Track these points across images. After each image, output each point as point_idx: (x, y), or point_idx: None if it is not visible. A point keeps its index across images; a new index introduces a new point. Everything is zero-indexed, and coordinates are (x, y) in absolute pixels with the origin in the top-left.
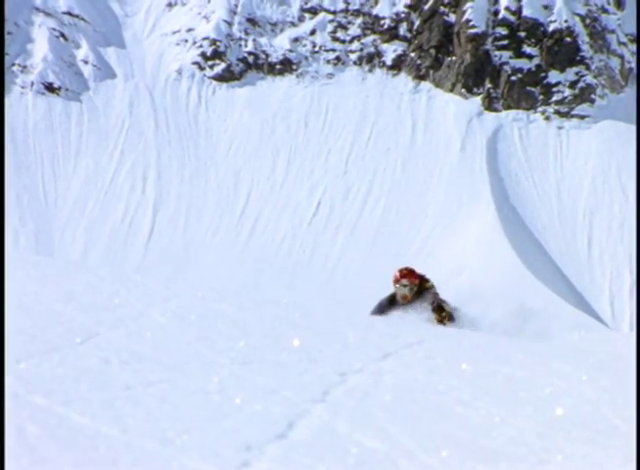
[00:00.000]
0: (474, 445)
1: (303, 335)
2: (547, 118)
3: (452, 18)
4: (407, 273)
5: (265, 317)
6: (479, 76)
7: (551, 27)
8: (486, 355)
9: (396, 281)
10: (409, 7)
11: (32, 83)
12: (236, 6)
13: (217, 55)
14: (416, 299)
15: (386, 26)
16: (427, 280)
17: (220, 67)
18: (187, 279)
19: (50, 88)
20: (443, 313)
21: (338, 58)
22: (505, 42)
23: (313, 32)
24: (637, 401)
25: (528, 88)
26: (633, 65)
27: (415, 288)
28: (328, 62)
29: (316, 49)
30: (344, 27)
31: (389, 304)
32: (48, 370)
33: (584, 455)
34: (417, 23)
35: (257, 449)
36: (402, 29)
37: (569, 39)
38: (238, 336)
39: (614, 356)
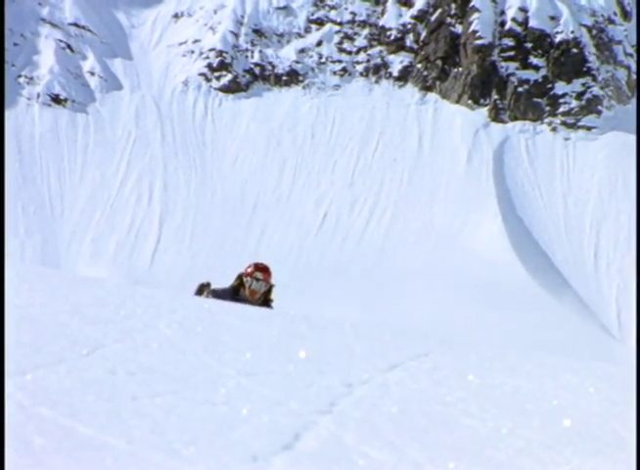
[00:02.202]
0: (481, 456)
1: (310, 346)
2: (554, 130)
3: (459, 29)
4: (263, 268)
5: (272, 329)
6: (485, 87)
7: (558, 38)
8: (493, 367)
9: (250, 274)
10: (416, 18)
11: (39, 95)
12: (242, 17)
13: (224, 66)
14: (260, 302)
15: (392, 38)
16: (272, 289)
17: (227, 78)
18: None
19: (56, 100)
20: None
21: (344, 69)
22: (512, 53)
23: (320, 43)
24: (638, 409)
25: (535, 99)
26: None
27: (266, 287)
28: (334, 73)
29: (322, 60)
30: (351, 39)
31: (232, 293)
32: (54, 382)
33: (592, 468)
34: (423, 34)
35: (264, 460)
36: (409, 41)
37: (575, 50)
38: (244, 347)
39: (621, 368)
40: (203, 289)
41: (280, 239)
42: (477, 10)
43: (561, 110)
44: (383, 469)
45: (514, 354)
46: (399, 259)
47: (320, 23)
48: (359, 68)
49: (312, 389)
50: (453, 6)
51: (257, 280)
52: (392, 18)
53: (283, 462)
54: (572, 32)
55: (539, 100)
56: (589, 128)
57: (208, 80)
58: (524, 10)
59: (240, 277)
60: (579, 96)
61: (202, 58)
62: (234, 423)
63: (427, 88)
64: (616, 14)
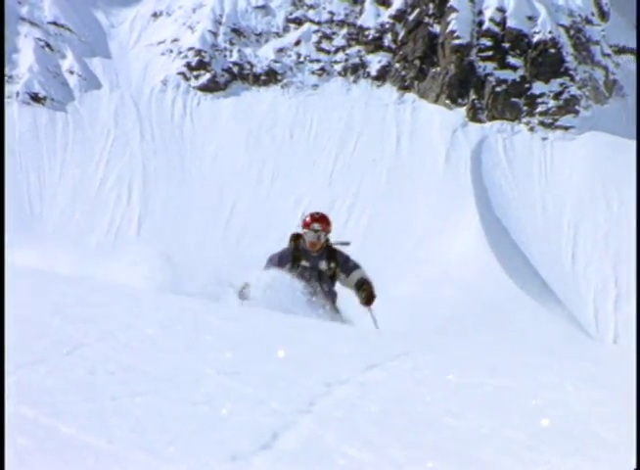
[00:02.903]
0: (461, 456)
1: (290, 346)
2: (531, 129)
3: (437, 29)
4: (320, 218)
5: (253, 328)
6: (463, 87)
7: (535, 39)
8: (474, 366)
9: (307, 225)
10: (394, 18)
11: (18, 93)
12: (221, 16)
13: (202, 65)
14: (322, 253)
15: (370, 37)
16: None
17: (205, 77)
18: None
19: (35, 98)
20: (371, 293)
21: (322, 68)
22: (489, 53)
23: (298, 43)
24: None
25: (513, 99)
26: (617, 76)
27: (325, 237)
28: (313, 72)
29: (301, 60)
30: (329, 38)
31: (293, 254)
32: (36, 382)
33: (572, 467)
34: (401, 33)
35: (244, 460)
36: (387, 40)
37: (553, 50)
38: (225, 347)
39: (600, 368)
40: (244, 291)
41: (259, 238)
42: (454, 10)
43: (538, 109)
44: (363, 468)
45: (494, 354)
46: (378, 259)
47: (298, 22)
48: (337, 67)
49: (292, 388)
50: (431, 6)
51: (315, 231)
52: (371, 17)
53: (263, 462)
54: (550, 32)
55: (517, 100)
56: (567, 128)
57: (187, 79)
58: (501, 10)
59: (293, 237)
60: (557, 96)
61: (180, 57)
62: (214, 422)
63: (405, 88)
64: (593, 14)
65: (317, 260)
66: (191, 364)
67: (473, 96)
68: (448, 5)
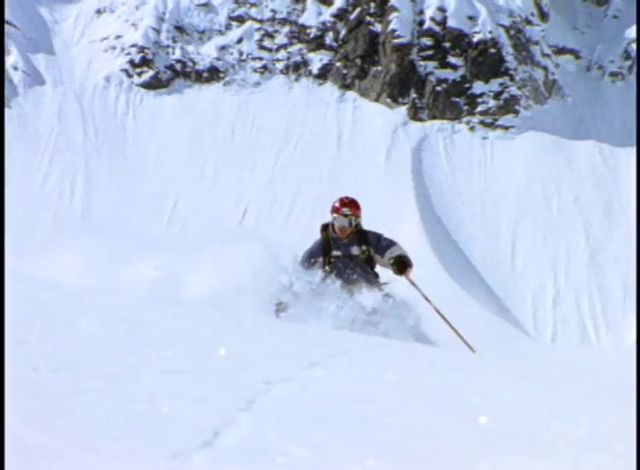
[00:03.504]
0: (400, 453)
1: (231, 344)
2: (472, 129)
3: (378, 28)
4: (349, 202)
5: (194, 326)
6: (404, 86)
7: (476, 38)
8: (412, 364)
9: (336, 210)
10: (335, 16)
11: None
12: (164, 13)
13: (145, 62)
14: (353, 238)
15: (312, 36)
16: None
17: (148, 74)
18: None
19: None
20: (401, 260)
21: (264, 66)
22: (430, 52)
23: (240, 41)
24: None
25: (453, 98)
26: (557, 76)
27: (356, 221)
28: (255, 70)
29: (243, 57)
30: (271, 36)
31: (323, 245)
32: None
33: (508, 464)
34: (343, 32)
35: (184, 458)
36: (328, 39)
37: (493, 50)
38: (166, 345)
39: (538, 366)
40: (279, 308)
41: (200, 236)
42: (395, 9)
43: (479, 109)
44: (302, 466)
45: (432, 352)
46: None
47: (241, 20)
48: (279, 65)
49: (233, 386)
50: (372, 5)
51: (345, 216)
52: (312, 16)
53: (203, 459)
54: (490, 32)
55: (457, 99)
56: (507, 128)
57: (130, 76)
58: (442, 10)
59: (323, 228)
60: (497, 96)
61: (123, 54)
62: (156, 420)
63: (346, 86)
64: (533, 14)
65: (348, 247)
66: (132, 362)
67: (413, 95)
68: (389, 4)
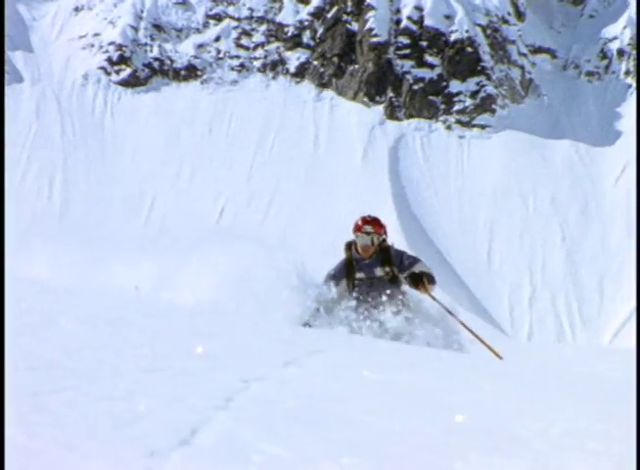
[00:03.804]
0: (376, 452)
1: (208, 342)
2: (448, 128)
3: (355, 26)
4: (372, 221)
5: (171, 325)
6: (381, 85)
7: (452, 37)
8: (389, 363)
9: (358, 229)
10: (312, 15)
11: None
12: (142, 11)
13: (123, 60)
14: (377, 258)
15: (289, 34)
16: (385, 238)
17: (126, 72)
18: (94, 286)
19: None
20: (422, 280)
21: (242, 65)
22: (407, 51)
23: (218, 39)
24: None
25: (430, 97)
26: (533, 76)
27: (379, 240)
28: (232, 68)
29: (220, 55)
30: (249, 34)
31: (346, 266)
32: None
33: (485, 463)
34: (320, 31)
35: (161, 456)
36: (306, 37)
37: (470, 49)
38: (144, 343)
39: (516, 364)
40: (309, 320)
41: (178, 234)
42: (372, 8)
43: (455, 108)
44: (278, 464)
45: (409, 351)
46: (296, 256)
47: (218, 18)
48: (257, 63)
49: (209, 384)
50: (349, 3)
51: (368, 234)
52: (290, 14)
53: (180, 458)
54: (467, 32)
55: (434, 98)
56: (483, 127)
57: (108, 74)
58: (419, 9)
59: (349, 245)
60: (474, 95)
61: (101, 51)
62: (133, 418)
63: (323, 85)
64: (510, 14)
65: (372, 268)
66: (110, 360)
67: (390, 94)
68: (366, 3)
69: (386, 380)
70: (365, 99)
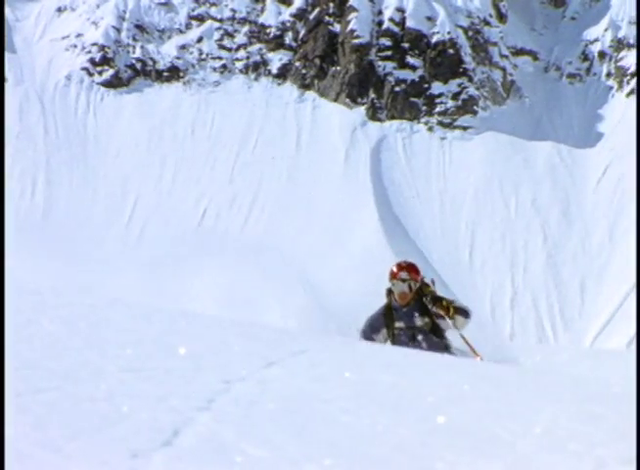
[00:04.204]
0: (357, 453)
1: (190, 343)
2: (430, 129)
3: (337, 28)
4: (407, 267)
5: (153, 325)
6: (363, 86)
7: (434, 39)
8: (370, 364)
9: (394, 276)
10: (294, 16)
11: None
12: (124, 12)
13: (106, 61)
14: (414, 306)
15: (271, 35)
16: (427, 283)
17: (109, 73)
18: (74, 287)
19: None
20: (444, 304)
21: (224, 66)
22: (389, 53)
23: (200, 40)
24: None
25: (412, 99)
26: (515, 77)
27: (416, 286)
28: (214, 70)
29: (203, 57)
30: (231, 36)
31: (384, 314)
32: None
33: (466, 463)
34: (302, 32)
35: (144, 457)
36: (288, 38)
37: (451, 51)
38: (126, 344)
39: (495, 365)
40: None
41: (160, 235)
42: (354, 9)
43: (437, 109)
44: (260, 466)
45: (390, 352)
46: (277, 257)
47: (200, 19)
48: (239, 65)
49: (191, 385)
50: (331, 5)
51: (404, 281)
52: (272, 15)
53: (162, 458)
54: (449, 33)
55: (416, 99)
56: (465, 128)
57: (91, 75)
58: (401, 10)
59: (389, 292)
60: (455, 96)
61: (84, 52)
62: (115, 419)
63: (305, 86)
64: (491, 15)
65: (411, 317)
66: (92, 361)
67: (372, 95)
68: (348, 4)
69: (367, 381)
70: (347, 100)
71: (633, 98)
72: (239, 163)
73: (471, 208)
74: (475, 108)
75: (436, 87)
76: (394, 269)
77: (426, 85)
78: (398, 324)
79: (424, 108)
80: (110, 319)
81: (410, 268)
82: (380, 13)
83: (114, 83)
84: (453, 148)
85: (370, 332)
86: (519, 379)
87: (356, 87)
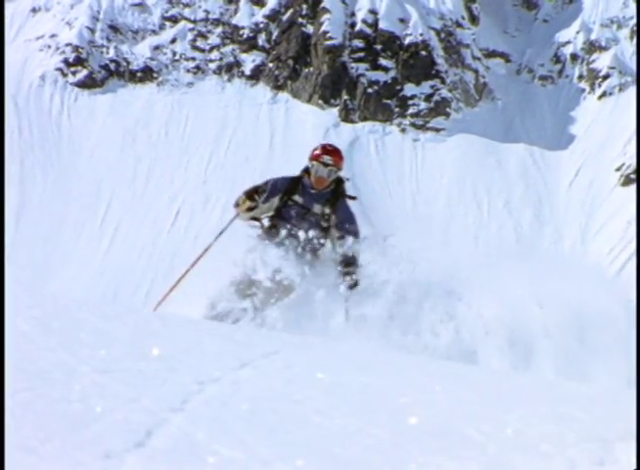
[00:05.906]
0: (329, 454)
1: (163, 344)
2: (403, 131)
3: (310, 29)
4: (333, 151)
5: (126, 326)
6: (335, 88)
7: (407, 41)
8: (343, 365)
9: (316, 157)
10: (268, 17)
11: None
12: (98, 12)
13: (80, 61)
14: (324, 195)
15: (245, 36)
16: (342, 179)
17: (82, 73)
18: (48, 288)
19: None
20: (353, 274)
21: (197, 67)
22: (362, 54)
23: (174, 41)
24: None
25: (385, 100)
26: (487, 79)
27: (336, 175)
28: (188, 70)
29: (176, 57)
30: (204, 36)
31: (287, 187)
32: None
33: (438, 465)
34: (275, 33)
35: (117, 458)
36: (261, 40)
37: (424, 53)
38: (100, 344)
39: (466, 367)
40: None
41: (133, 235)
42: (327, 11)
43: (410, 111)
44: (233, 466)
45: (363, 353)
46: None
47: (174, 20)
48: (212, 66)
49: (165, 386)
50: (304, 6)
51: (326, 165)
52: (245, 16)
53: (136, 460)
54: (421, 35)
55: (389, 101)
56: (438, 130)
57: (65, 75)
58: (373, 12)
59: (306, 169)
60: (428, 98)
61: (58, 53)
62: (89, 420)
63: (278, 87)
64: (464, 18)
65: (313, 200)
66: (66, 362)
67: (345, 96)
68: (321, 6)
69: (339, 382)
70: (320, 101)
71: (605, 100)
72: (212, 163)
73: (444, 209)
74: (447, 110)
75: (409, 89)
76: (318, 151)
77: (398, 87)
78: (297, 198)
79: (396, 109)
80: (83, 320)
81: (335, 153)
82: (353, 14)
83: (87, 84)
84: (426, 149)
85: (263, 191)
86: (490, 380)
87: (329, 88)
